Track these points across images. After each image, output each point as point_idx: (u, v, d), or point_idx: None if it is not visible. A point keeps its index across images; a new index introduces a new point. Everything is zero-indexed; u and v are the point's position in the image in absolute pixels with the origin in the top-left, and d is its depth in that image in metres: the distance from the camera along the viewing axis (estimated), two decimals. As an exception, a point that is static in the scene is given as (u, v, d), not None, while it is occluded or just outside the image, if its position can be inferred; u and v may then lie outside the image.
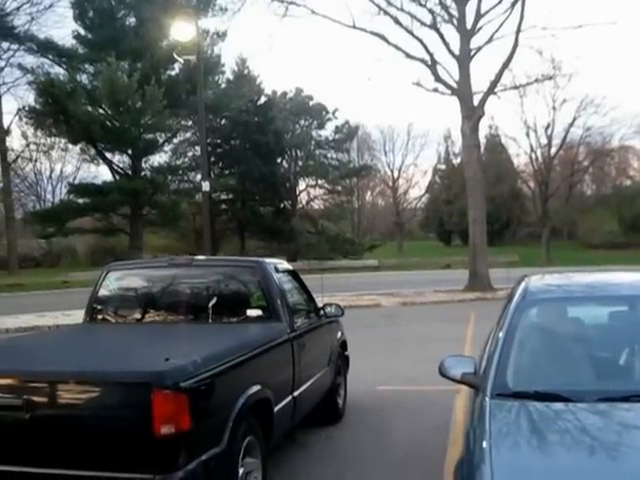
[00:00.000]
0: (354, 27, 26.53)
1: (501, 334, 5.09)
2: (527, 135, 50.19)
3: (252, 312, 7.20)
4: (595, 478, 3.61)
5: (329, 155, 64.73)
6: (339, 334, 9.39)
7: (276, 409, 6.27)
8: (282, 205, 56.13)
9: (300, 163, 62.86)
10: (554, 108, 48.23)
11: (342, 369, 9.34)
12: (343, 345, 9.53)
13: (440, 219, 68.73)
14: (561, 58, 36.77)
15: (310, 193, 64.59)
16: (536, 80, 34.99)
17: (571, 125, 49.15)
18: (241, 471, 5.45)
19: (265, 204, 54.48)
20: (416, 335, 16.36)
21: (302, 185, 63.10)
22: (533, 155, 51.17)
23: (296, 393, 7.02)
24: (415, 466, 7.19)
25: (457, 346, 12.31)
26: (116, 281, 7.95)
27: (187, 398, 4.70)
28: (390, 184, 71.89)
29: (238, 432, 5.38)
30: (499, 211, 54.68)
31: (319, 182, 63.57)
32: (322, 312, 8.55)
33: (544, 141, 49.73)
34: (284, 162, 59.91)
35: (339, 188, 64.29)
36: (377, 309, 22.65)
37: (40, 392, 4.91)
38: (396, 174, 71.44)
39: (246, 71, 55.09)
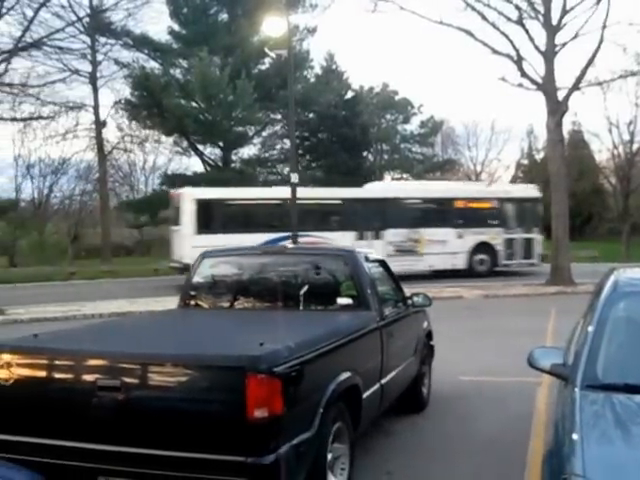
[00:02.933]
0: (441, 23, 26.28)
1: (590, 327, 4.99)
2: (610, 131, 49.06)
3: (342, 300, 7.16)
4: None
5: (414, 149, 64.61)
6: (425, 324, 9.30)
7: (364, 396, 6.22)
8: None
9: (385, 157, 62.87)
10: (637, 104, 47.02)
11: (427, 359, 9.26)
12: (429, 335, 9.44)
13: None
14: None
15: (395, 186, 64.49)
16: (620, 76, 34.04)
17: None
18: (330, 456, 5.43)
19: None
20: (497, 327, 16.14)
21: (387, 178, 63.07)
22: (615, 151, 50.08)
23: (383, 381, 6.96)
24: (499, 455, 7.10)
25: (539, 339, 12.04)
26: (210, 267, 8.01)
27: (280, 383, 4.67)
28: (473, 178, 71.28)
29: (328, 418, 5.35)
30: (580, 206, 53.57)
31: (404, 175, 63.43)
32: (410, 302, 8.46)
33: (626, 137, 48.60)
34: (370, 156, 59.93)
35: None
36: (459, 301, 22.42)
37: (136, 374, 4.96)
38: (479, 168, 70.82)
39: (334, 66, 55.22)
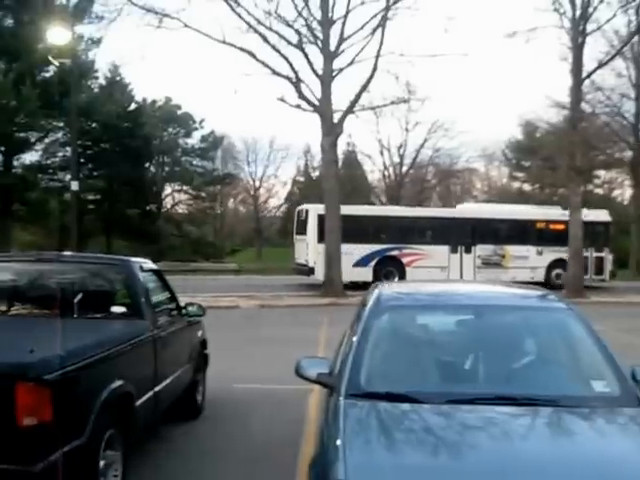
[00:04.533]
0: (224, 42, 26.39)
1: (355, 338, 5.16)
2: (381, 153, 51.36)
3: (117, 309, 7.07)
4: (438, 476, 3.71)
5: (195, 162, 64.35)
6: (200, 333, 9.34)
7: (138, 403, 6.20)
8: (148, 208, 55.35)
9: (167, 169, 62.21)
10: (407, 129, 49.59)
11: (202, 367, 9.30)
12: (203, 344, 9.49)
13: (297, 228, 69.28)
14: (416, 83, 37.80)
15: (175, 198, 64.19)
16: (392, 102, 35.75)
17: (422, 146, 50.69)
18: (102, 463, 5.36)
19: (132, 206, 53.53)
20: (272, 336, 16.38)
21: (168, 190, 62.60)
22: (386, 172, 52.44)
23: (157, 388, 6.94)
24: (270, 460, 7.21)
25: (311, 348, 12.39)
26: (-17, 274, 7.65)
27: (50, 391, 4.58)
28: (251, 193, 71.91)
29: (100, 425, 5.28)
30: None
31: (184, 188, 63.18)
32: (184, 311, 8.48)
33: (397, 160, 51.02)
34: (152, 167, 59.18)
35: (203, 194, 64.19)
36: (236, 310, 22.56)
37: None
38: (257, 184, 71.53)
39: (118, 78, 54.07)
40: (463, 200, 65.96)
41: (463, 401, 4.50)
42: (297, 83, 26.63)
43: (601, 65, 31.81)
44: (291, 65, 26.58)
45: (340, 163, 42.32)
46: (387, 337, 5.45)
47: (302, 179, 73.14)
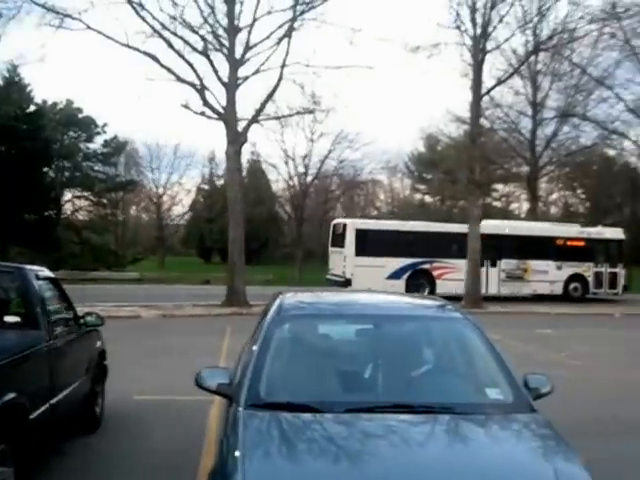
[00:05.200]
0: (128, 46, 25.99)
1: (255, 347, 5.13)
2: (286, 163, 51.29)
3: (10, 319, 6.83)
4: None
5: (96, 168, 62.99)
6: (98, 343, 9.15)
7: (32, 416, 5.98)
8: (46, 214, 53.87)
9: (67, 174, 60.74)
10: (312, 140, 49.65)
11: (100, 378, 9.10)
12: (102, 354, 9.29)
13: (201, 236, 68.59)
14: (321, 94, 37.94)
15: (76, 204, 62.57)
16: (297, 113, 35.85)
17: (326, 157, 50.81)
18: (-8, 479, 5.15)
19: (29, 211, 52.04)
20: (174, 347, 16.20)
21: (68, 196, 61.09)
22: (291, 182, 52.45)
23: (53, 401, 6.73)
24: (170, 473, 7.13)
25: (214, 358, 12.31)
26: None
27: None
28: (155, 200, 70.94)
29: (-11, 440, 5.07)
30: (257, 232, 55.30)
31: (85, 194, 61.80)
32: (82, 321, 8.29)
33: (301, 170, 51.08)
34: (51, 172, 57.68)
35: (104, 201, 62.83)
36: (137, 320, 22.22)
37: None
38: (161, 191, 70.63)
39: (17, 78, 52.55)
40: (366, 211, 66.88)
41: (362, 410, 4.53)
42: (202, 90, 26.45)
43: (499, 82, 32.81)
44: (196, 72, 26.43)
45: (245, 172, 42.24)
46: (288, 346, 5.45)
47: (206, 187, 72.61)
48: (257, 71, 26.91)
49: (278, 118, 36.83)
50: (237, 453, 3.91)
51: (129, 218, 75.97)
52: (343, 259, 30.87)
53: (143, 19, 25.88)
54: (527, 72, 41.20)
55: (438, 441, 4.39)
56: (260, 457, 3.95)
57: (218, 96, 26.78)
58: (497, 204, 62.00)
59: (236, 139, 26.82)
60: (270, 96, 27.58)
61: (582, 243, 33.61)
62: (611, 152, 49.54)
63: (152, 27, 25.93)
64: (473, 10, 28.40)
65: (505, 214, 60.42)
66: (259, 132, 60.68)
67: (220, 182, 65.94)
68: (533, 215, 45.43)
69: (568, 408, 9.91)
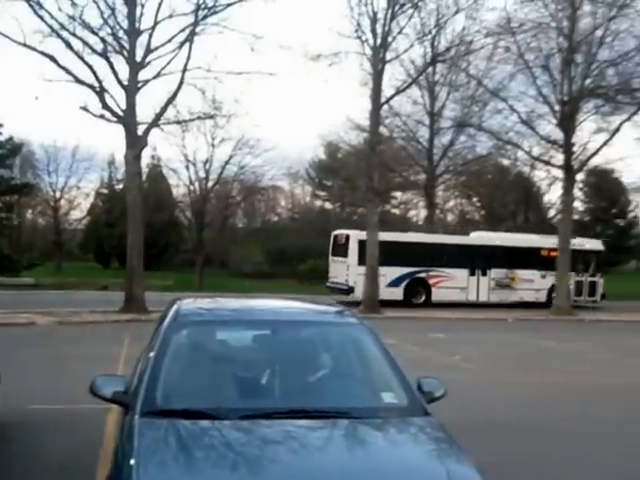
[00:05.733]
0: (25, 45, 25.26)
1: (152, 354, 5.09)
2: (187, 168, 50.78)
3: None
4: None
5: (-10, 170, 61.09)
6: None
7: None
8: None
9: (-41, 176, 58.72)
10: (213, 145, 49.29)
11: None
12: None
13: (99, 241, 67.20)
14: (222, 100, 37.80)
15: (-34, 208, 60.51)
16: (198, 117, 35.65)
17: (227, 162, 50.48)
18: None
19: None
20: (70, 354, 15.83)
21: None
22: (191, 187, 51.98)
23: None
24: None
25: (111, 365, 12.12)
26: None
27: None
28: (52, 204, 69.16)
29: None
30: (157, 237, 54.54)
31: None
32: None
33: (202, 175, 50.67)
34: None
35: (-1, 204, 60.97)
36: (32, 327, 21.63)
37: None
38: (58, 194, 68.91)
39: None
40: (266, 216, 66.89)
41: (259, 416, 4.55)
42: (101, 92, 25.91)
43: (398, 92, 33.36)
44: (95, 74, 25.82)
45: (145, 176, 41.73)
46: (185, 353, 5.42)
47: (106, 191, 71.21)
48: (158, 75, 26.56)
49: (179, 122, 36.52)
50: (132, 461, 3.87)
51: (25, 222, 73.82)
52: (346, 268, 32.31)
53: (41, 18, 25.17)
54: (425, 82, 41.87)
55: (336, 445, 4.44)
56: (155, 465, 3.91)
57: (118, 99, 26.30)
58: (396, 211, 62.88)
59: (136, 143, 26.42)
60: (171, 100, 27.31)
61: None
62: (505, 162, 50.88)
63: (50, 27, 25.26)
64: (374, 21, 28.81)
65: (403, 221, 61.44)
66: (160, 136, 59.83)
67: (119, 186, 64.74)
68: (430, 222, 46.26)
69: (463, 410, 10.14)
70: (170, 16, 26.65)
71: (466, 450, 4.49)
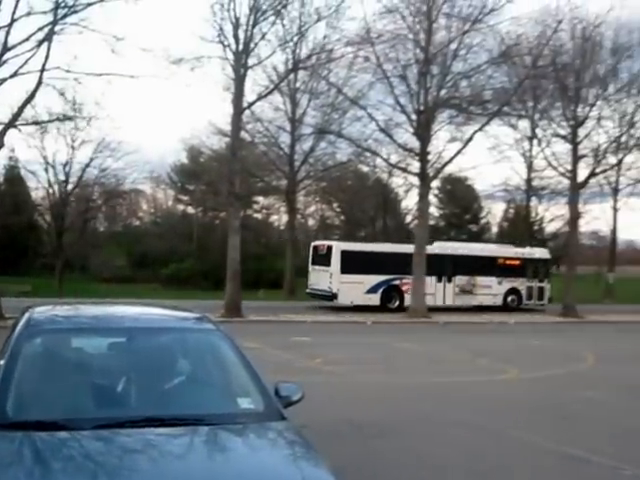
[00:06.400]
0: None
1: (1, 363, 4.87)
2: (46, 170, 49.17)
3: None
4: None
5: None
6: None
7: None
8: None
9: None
10: (73, 147, 47.90)
11: None
12: None
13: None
14: (83, 101, 36.70)
15: None
16: (57, 119, 34.53)
17: (88, 165, 49.15)
18: None
19: None
20: None
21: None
22: (51, 190, 50.38)
23: None
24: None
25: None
26: None
27: None
28: None
29: None
30: (15, 240, 52.54)
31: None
32: None
33: (62, 177, 49.19)
34: None
35: None
36: None
37: None
38: None
39: None
40: (128, 220, 65.54)
41: (113, 425, 4.43)
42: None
43: (260, 98, 33.40)
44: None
45: (1, 178, 40.04)
46: (38, 362, 5.21)
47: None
48: (15, 74, 25.52)
49: (37, 123, 35.22)
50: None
51: None
52: (329, 276, 33.85)
53: None
54: (287, 89, 42.15)
55: (195, 453, 4.38)
56: None
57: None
58: (258, 216, 62.87)
59: (-7, 144, 25.33)
60: (28, 100, 26.31)
61: (517, 262, 38.78)
62: (365, 168, 51.75)
63: None
64: (236, 26, 28.66)
65: (265, 226, 61.50)
66: (18, 137, 57.77)
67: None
68: (291, 227, 46.51)
69: (323, 412, 10.19)
70: (28, 14, 25.66)
71: (322, 454, 4.49)
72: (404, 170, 39.12)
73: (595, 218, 55.05)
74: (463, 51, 31.90)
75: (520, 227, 56.34)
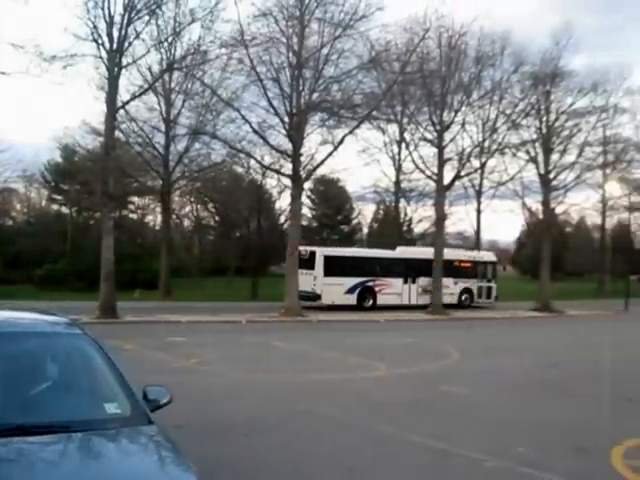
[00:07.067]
0: None
1: None
2: None
3: None
4: None
5: None
6: None
7: None
8: None
9: None
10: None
11: None
12: None
13: None
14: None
15: None
16: None
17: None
18: None
19: None
20: None
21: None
22: None
23: None
24: None
25: None
26: None
27: None
28: None
29: None
30: None
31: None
32: None
33: None
34: None
35: None
36: None
37: None
38: None
39: None
40: (0, 220, 62.94)
41: None
42: None
43: (134, 97, 32.70)
44: None
45: None
46: None
47: None
48: None
49: None
50: None
51: None
52: (313, 279, 36.51)
53: None
54: (161, 89, 41.50)
55: (65, 460, 4.22)
56: None
57: None
58: (133, 216, 61.64)
59: None
60: None
61: (470, 264, 42.80)
62: (239, 169, 51.49)
63: None
64: (110, 24, 27.86)
65: (140, 226, 60.34)
66: None
67: None
68: (166, 227, 45.78)
69: (197, 412, 10.07)
70: None
71: (189, 457, 4.41)
72: (277, 172, 39.18)
73: (460, 219, 57.40)
74: (334, 56, 32.31)
75: (390, 227, 57.45)
